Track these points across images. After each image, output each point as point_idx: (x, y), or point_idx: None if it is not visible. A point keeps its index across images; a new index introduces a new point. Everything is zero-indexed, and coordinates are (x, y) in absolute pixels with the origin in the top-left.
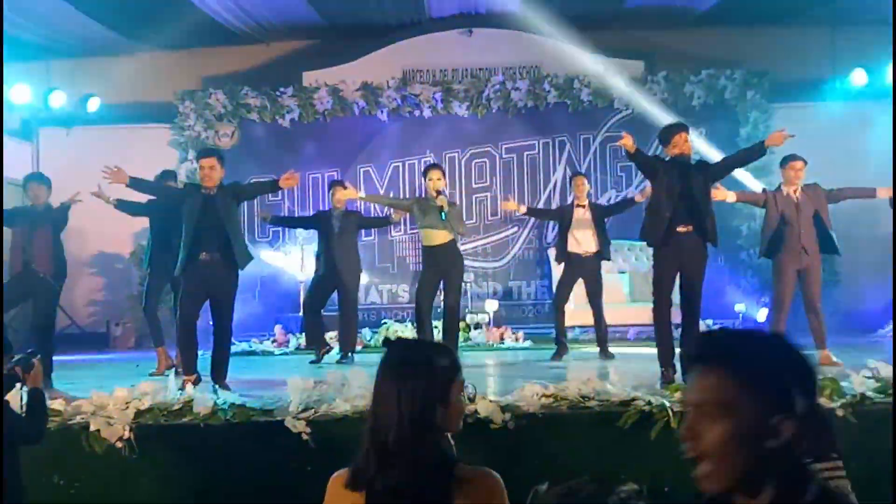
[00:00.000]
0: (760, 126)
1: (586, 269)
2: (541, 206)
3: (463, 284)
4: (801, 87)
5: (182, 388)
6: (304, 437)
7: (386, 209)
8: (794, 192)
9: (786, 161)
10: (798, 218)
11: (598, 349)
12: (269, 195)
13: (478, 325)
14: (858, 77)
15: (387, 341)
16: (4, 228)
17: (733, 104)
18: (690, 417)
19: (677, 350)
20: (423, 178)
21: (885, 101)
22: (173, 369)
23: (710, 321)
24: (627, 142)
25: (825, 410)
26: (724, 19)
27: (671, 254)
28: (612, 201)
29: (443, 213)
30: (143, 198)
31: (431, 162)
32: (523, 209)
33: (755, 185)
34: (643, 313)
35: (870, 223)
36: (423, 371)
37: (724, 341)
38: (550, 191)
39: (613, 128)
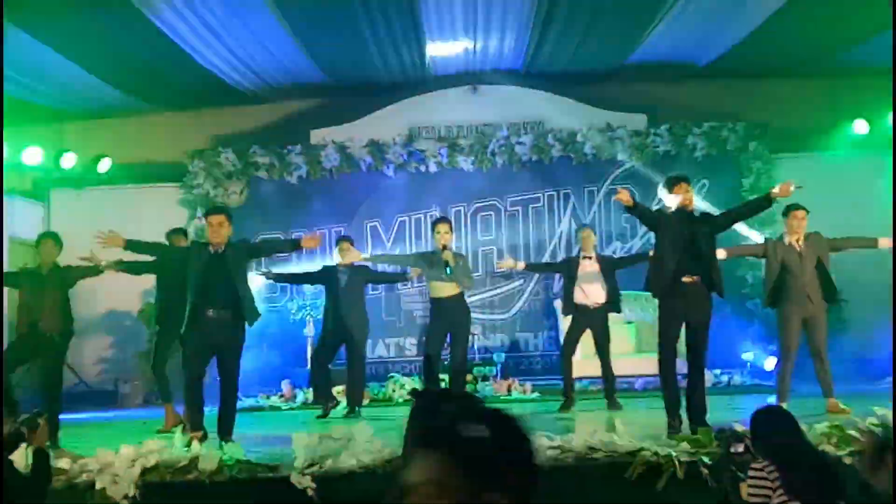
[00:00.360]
0: (763, 177)
1: (594, 321)
2: (546, 257)
3: (470, 337)
4: (802, 138)
5: (188, 445)
6: (310, 492)
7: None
8: (797, 241)
9: (788, 210)
10: (801, 267)
11: (605, 400)
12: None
13: (485, 378)
14: (860, 127)
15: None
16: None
17: (736, 155)
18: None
19: (684, 400)
20: (431, 232)
21: (886, 151)
22: (180, 426)
23: (717, 370)
24: (623, 196)
25: (833, 458)
26: (724, 72)
27: (676, 305)
28: (616, 253)
29: (448, 269)
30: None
31: (439, 216)
32: (521, 265)
33: (754, 236)
34: (650, 364)
35: (876, 270)
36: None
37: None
38: (556, 243)
39: (617, 180)
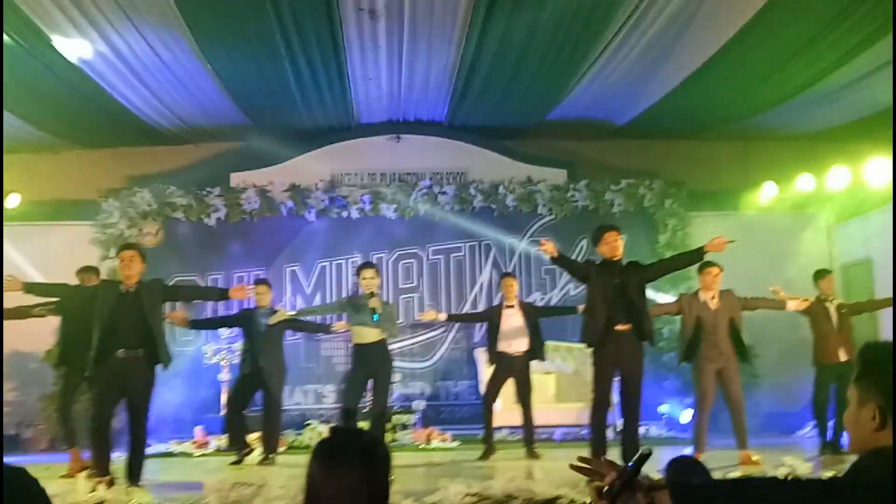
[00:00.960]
0: (679, 233)
1: (515, 369)
2: (468, 306)
3: (390, 384)
4: (716, 197)
5: (93, 491)
6: None
7: (321, 317)
8: (711, 298)
9: (703, 267)
10: (714, 323)
11: (525, 449)
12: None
13: (405, 426)
14: (769, 190)
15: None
16: None
17: (652, 212)
18: None
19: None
20: (356, 276)
21: (795, 211)
22: (85, 471)
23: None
24: (548, 247)
25: None
26: (642, 132)
27: (610, 353)
28: (537, 303)
29: (375, 315)
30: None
31: (364, 261)
32: (443, 317)
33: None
34: (570, 415)
35: (788, 327)
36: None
37: None
38: (476, 292)
39: (538, 232)
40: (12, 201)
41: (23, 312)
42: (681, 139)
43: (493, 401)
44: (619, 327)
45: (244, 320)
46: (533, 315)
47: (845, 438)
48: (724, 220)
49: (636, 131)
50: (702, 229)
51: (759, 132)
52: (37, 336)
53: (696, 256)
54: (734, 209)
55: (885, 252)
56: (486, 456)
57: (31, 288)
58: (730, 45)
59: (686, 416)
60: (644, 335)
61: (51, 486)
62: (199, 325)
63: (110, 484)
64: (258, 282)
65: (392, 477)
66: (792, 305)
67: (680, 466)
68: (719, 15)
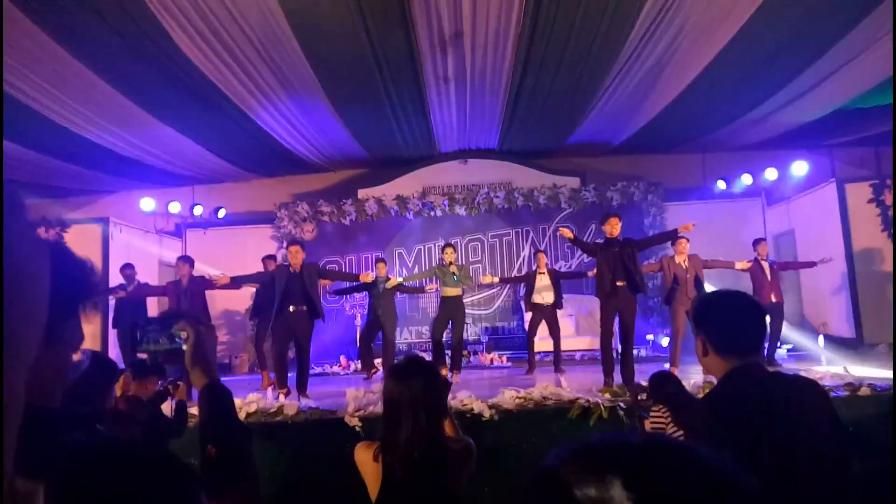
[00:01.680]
0: (658, 218)
1: (546, 314)
2: (515, 271)
3: (465, 324)
4: (683, 192)
5: (277, 398)
6: (357, 429)
7: (419, 282)
8: (683, 260)
9: (675, 240)
10: (685, 277)
11: (554, 366)
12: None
13: (475, 352)
14: (720, 185)
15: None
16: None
17: (639, 204)
18: None
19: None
20: (441, 253)
21: (740, 200)
22: (271, 387)
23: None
24: (566, 233)
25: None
26: (631, 149)
27: (612, 303)
28: (561, 268)
29: (455, 276)
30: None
31: (446, 242)
32: (497, 279)
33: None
34: (586, 342)
35: (735, 279)
36: (431, 379)
37: None
38: (520, 263)
39: (561, 220)
40: (221, 213)
41: (236, 285)
42: (658, 153)
43: (534, 335)
44: (619, 283)
45: (369, 286)
46: (556, 278)
47: (777, 353)
48: (689, 208)
49: (627, 148)
50: (673, 214)
51: (713, 146)
52: (240, 299)
53: (673, 235)
54: (696, 200)
55: (806, 226)
56: (530, 371)
57: (236, 279)
58: (692, 86)
59: (665, 342)
60: (637, 288)
61: (251, 396)
62: (341, 292)
63: (288, 394)
64: (378, 260)
65: (448, 391)
66: (738, 266)
67: (659, 376)
68: (684, 64)
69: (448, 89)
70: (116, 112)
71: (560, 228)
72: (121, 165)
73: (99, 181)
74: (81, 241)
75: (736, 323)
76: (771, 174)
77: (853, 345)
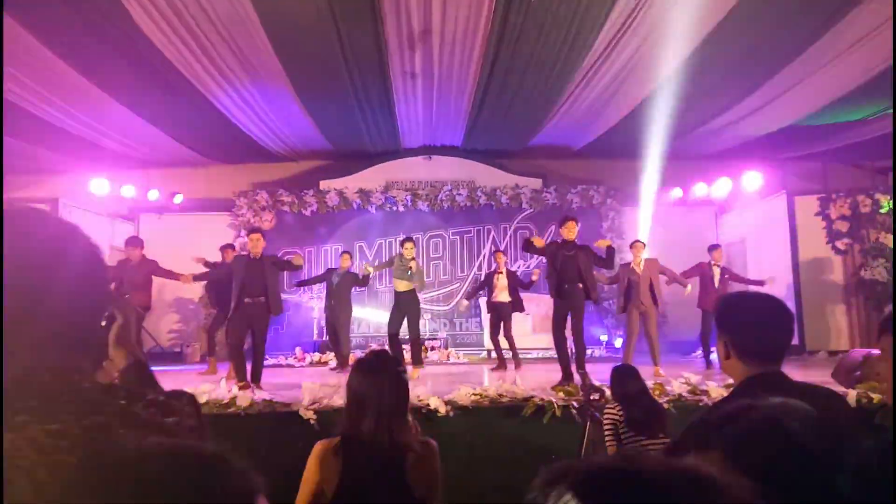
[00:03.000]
0: (616, 221)
1: (504, 313)
2: (474, 269)
3: (422, 320)
4: (640, 197)
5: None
6: (312, 422)
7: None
8: (638, 264)
9: (633, 244)
10: (639, 281)
11: (513, 363)
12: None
13: (433, 348)
14: (675, 193)
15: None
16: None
17: (598, 207)
18: None
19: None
20: (400, 246)
21: (694, 208)
22: (223, 379)
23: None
24: (539, 242)
25: (659, 405)
26: (592, 154)
27: (564, 303)
28: (520, 268)
29: (409, 272)
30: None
31: (406, 237)
32: (465, 303)
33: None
34: (540, 340)
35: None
36: (398, 374)
37: None
38: (480, 260)
39: (522, 221)
40: (177, 199)
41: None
42: (617, 159)
43: (497, 333)
44: (571, 285)
45: (327, 275)
46: (512, 280)
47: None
48: (645, 212)
49: (588, 153)
50: (631, 218)
51: (671, 154)
52: (193, 288)
53: (607, 253)
54: (653, 205)
55: (756, 235)
56: (499, 368)
57: (196, 278)
58: (649, 97)
59: (618, 343)
60: (589, 296)
61: (202, 387)
62: (300, 283)
63: (245, 388)
64: (343, 252)
65: (408, 384)
66: (688, 291)
67: (621, 371)
68: (642, 76)
69: (415, 85)
70: (68, 88)
71: (534, 238)
72: (71, 144)
73: (47, 160)
74: None
75: (761, 327)
76: (724, 184)
77: (796, 352)
